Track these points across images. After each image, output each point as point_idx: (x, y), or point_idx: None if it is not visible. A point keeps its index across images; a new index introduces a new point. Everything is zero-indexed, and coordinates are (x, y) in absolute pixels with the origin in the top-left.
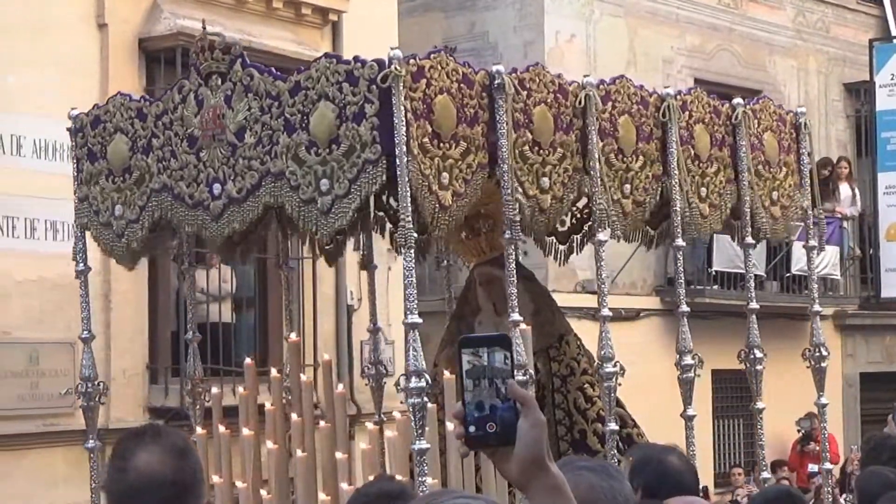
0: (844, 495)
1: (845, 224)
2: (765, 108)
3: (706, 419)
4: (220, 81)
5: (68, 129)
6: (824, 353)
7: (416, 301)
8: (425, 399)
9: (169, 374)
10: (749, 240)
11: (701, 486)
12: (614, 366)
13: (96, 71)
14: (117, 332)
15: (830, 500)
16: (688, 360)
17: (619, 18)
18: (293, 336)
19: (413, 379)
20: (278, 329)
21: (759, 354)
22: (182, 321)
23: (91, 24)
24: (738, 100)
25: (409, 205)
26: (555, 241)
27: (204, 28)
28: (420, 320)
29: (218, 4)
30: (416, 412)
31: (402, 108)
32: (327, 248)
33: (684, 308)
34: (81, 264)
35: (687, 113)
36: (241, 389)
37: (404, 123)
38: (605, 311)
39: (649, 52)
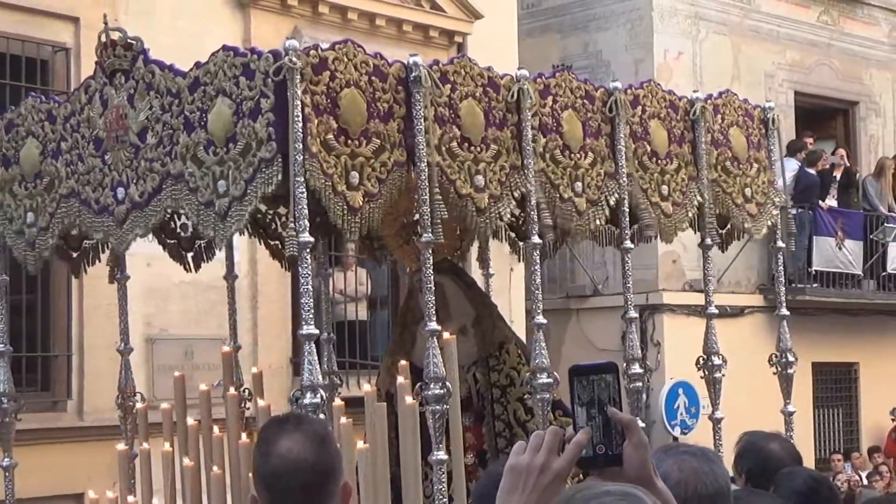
0: None
1: None
2: (729, 103)
3: (807, 408)
4: (123, 80)
5: None
6: (791, 358)
7: (312, 311)
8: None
9: None
10: (708, 241)
11: None
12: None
13: None
14: (263, 330)
15: None
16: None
17: (724, 36)
18: (225, 347)
19: (308, 395)
20: None
21: (717, 361)
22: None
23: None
24: (696, 94)
25: (305, 208)
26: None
27: (106, 23)
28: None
29: (353, 29)
30: None
31: (299, 102)
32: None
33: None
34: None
35: (640, 108)
36: (366, 386)
37: (300, 119)
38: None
39: (752, 68)
